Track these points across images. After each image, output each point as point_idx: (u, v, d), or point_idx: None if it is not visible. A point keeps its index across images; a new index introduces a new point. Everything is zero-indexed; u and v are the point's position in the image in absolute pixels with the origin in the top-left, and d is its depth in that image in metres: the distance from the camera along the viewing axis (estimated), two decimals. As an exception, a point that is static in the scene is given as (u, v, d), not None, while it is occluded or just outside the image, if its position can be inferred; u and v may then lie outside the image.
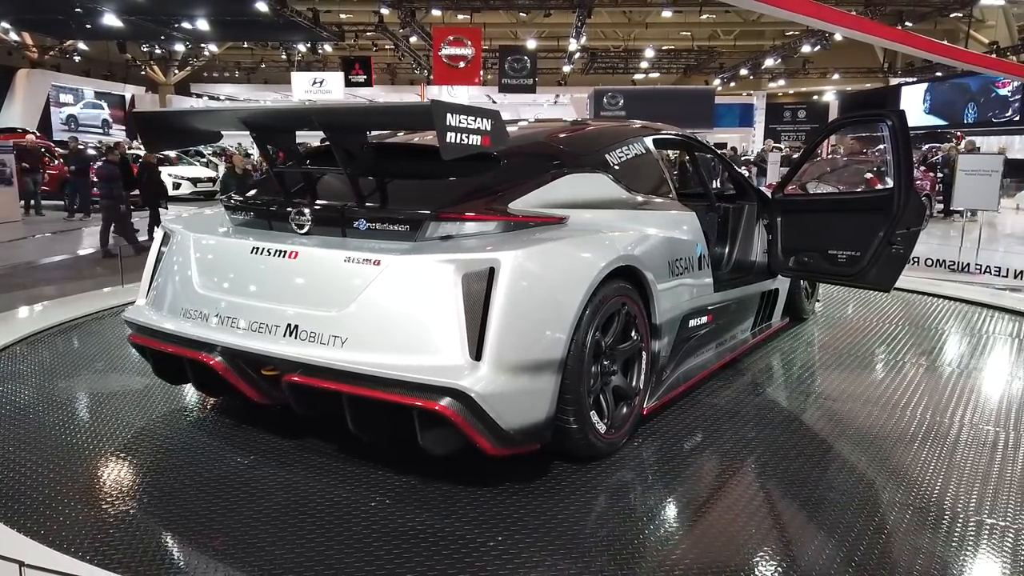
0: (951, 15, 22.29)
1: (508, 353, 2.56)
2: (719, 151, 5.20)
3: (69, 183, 15.67)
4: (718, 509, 2.69)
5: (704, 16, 25.11)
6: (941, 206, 15.51)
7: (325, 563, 2.29)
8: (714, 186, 5.63)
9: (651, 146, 3.97)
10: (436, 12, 23.05)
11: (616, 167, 3.59)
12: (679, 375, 3.73)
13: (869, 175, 5.63)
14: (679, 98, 28.31)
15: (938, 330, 5.42)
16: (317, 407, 2.87)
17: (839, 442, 3.33)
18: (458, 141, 2.53)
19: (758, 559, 2.35)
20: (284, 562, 2.30)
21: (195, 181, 19.01)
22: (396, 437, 2.75)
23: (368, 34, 27.01)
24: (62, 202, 15.87)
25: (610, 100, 26.97)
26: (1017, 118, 22.50)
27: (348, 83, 25.13)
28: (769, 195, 4.76)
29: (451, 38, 19.91)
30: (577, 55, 29.45)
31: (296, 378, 2.75)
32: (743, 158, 21.35)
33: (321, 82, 26.47)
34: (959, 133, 21.39)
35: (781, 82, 35.26)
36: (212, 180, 19.16)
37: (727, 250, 4.79)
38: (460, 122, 2.53)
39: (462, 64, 19.93)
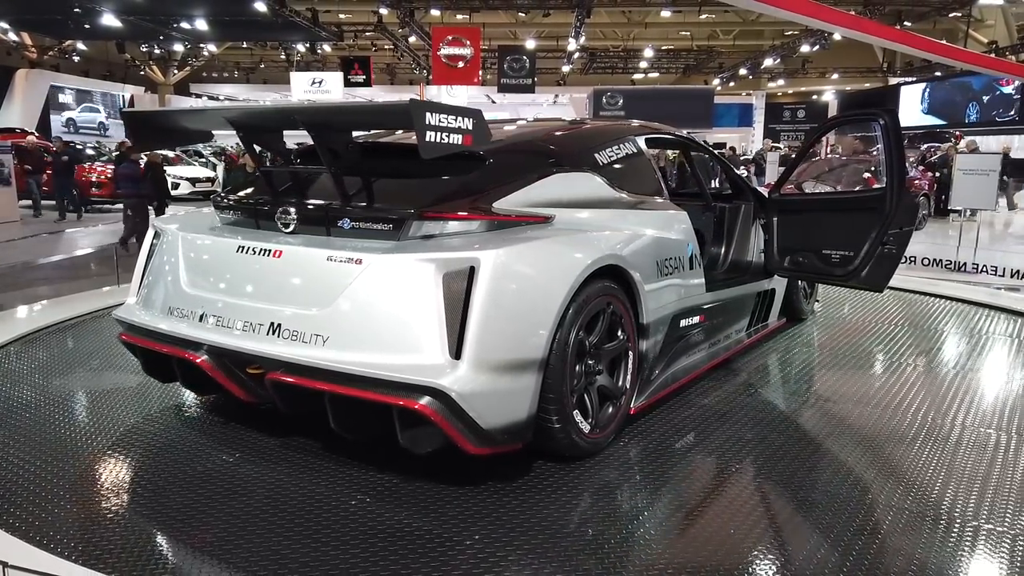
0: (950, 15, 22.30)
1: (488, 352, 2.56)
2: (718, 151, 5.19)
3: (56, 184, 15.47)
4: (706, 510, 2.68)
5: (703, 16, 25.11)
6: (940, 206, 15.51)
7: (300, 561, 2.28)
8: (714, 185, 5.63)
9: (643, 146, 3.95)
10: (435, 12, 23.05)
11: (606, 166, 3.58)
12: (669, 375, 3.71)
13: (867, 175, 5.63)
14: (678, 98, 28.35)
15: (936, 330, 5.39)
16: (300, 405, 2.88)
17: (831, 442, 3.30)
18: (438, 140, 2.53)
19: (747, 562, 2.33)
20: (259, 559, 2.30)
21: (194, 181, 19.04)
22: (378, 436, 2.75)
23: (367, 34, 27.03)
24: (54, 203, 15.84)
25: (609, 100, 27.01)
26: (1019, 117, 22.46)
27: (347, 83, 25.14)
28: (766, 195, 4.75)
29: (450, 38, 19.89)
30: (576, 55, 29.44)
31: (279, 377, 2.75)
32: (742, 158, 21.37)
33: (320, 82, 26.50)
34: (958, 133, 21.38)
35: (780, 82, 35.27)
36: (211, 180, 19.19)
37: (722, 250, 4.77)
38: (440, 121, 2.52)
39: (461, 64, 19.91)
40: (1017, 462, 3.10)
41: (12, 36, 27.26)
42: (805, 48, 25.54)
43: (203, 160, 21.72)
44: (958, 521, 2.59)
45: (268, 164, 3.68)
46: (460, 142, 2.63)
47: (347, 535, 2.44)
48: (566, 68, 32.16)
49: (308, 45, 26.96)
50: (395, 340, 2.60)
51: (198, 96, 36.96)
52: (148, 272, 3.41)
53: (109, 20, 21.64)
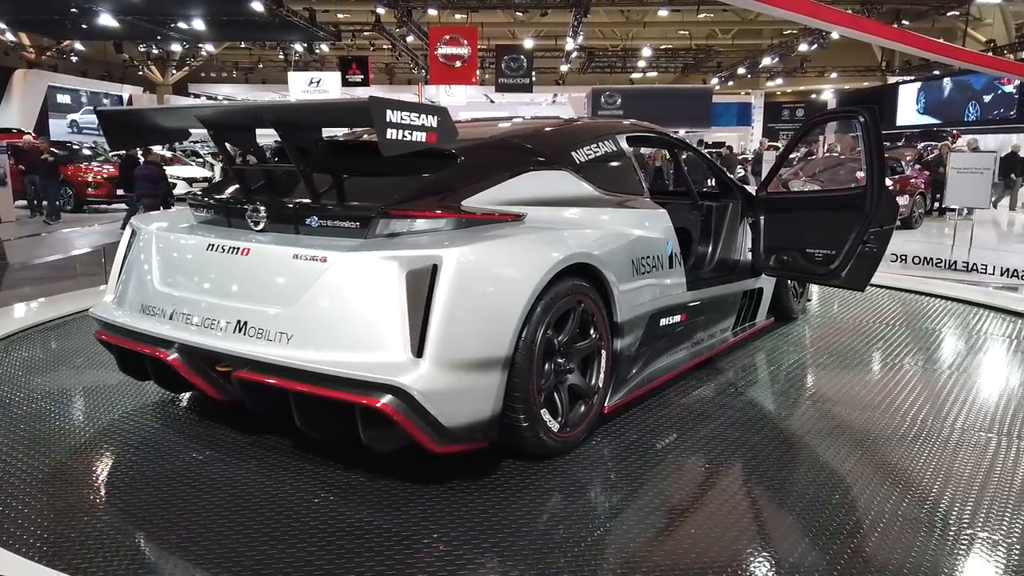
0: (948, 13, 22.25)
1: (451, 350, 2.55)
2: (717, 151, 5.17)
3: (34, 184, 15.31)
4: (681, 509, 2.64)
5: (702, 15, 25.09)
6: (936, 204, 15.48)
7: (257, 559, 2.27)
8: (710, 184, 5.59)
9: (623, 144, 3.93)
10: (433, 11, 23.07)
11: (582, 165, 3.57)
12: (647, 373, 3.68)
13: (860, 173, 5.62)
14: (677, 97, 28.35)
15: (928, 329, 5.34)
16: (267, 404, 2.87)
17: (813, 443, 3.26)
18: (399, 138, 2.51)
19: (724, 563, 2.28)
20: (216, 557, 2.29)
21: (190, 181, 19.03)
22: (342, 434, 2.74)
23: (365, 34, 27.04)
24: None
25: (608, 99, 27.01)
26: (1019, 116, 22.42)
27: (345, 83, 25.10)
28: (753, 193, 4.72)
29: (447, 37, 19.90)
30: (574, 54, 29.43)
31: (245, 375, 2.75)
32: (739, 157, 21.33)
33: (318, 82, 26.51)
34: (955, 132, 21.34)
35: (779, 81, 35.25)
36: (208, 180, 19.18)
37: (708, 249, 4.72)
38: (401, 119, 2.51)
39: (458, 63, 19.92)
40: (1009, 463, 3.03)
41: (10, 36, 27.28)
42: (804, 47, 25.54)
43: (200, 160, 21.73)
44: (953, 526, 2.50)
45: (240, 162, 3.67)
46: (424, 140, 2.61)
47: (308, 533, 2.43)
48: (564, 67, 32.15)
49: (306, 45, 26.97)
50: (358, 338, 2.59)
51: (196, 96, 36.98)
52: (124, 270, 3.42)
53: (107, 20, 21.66)
